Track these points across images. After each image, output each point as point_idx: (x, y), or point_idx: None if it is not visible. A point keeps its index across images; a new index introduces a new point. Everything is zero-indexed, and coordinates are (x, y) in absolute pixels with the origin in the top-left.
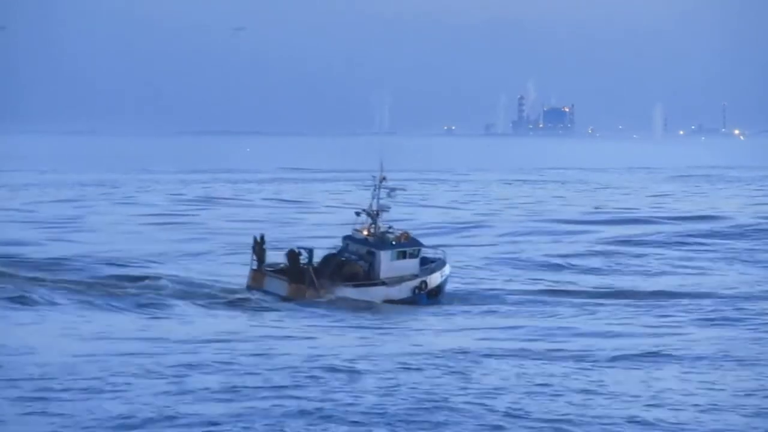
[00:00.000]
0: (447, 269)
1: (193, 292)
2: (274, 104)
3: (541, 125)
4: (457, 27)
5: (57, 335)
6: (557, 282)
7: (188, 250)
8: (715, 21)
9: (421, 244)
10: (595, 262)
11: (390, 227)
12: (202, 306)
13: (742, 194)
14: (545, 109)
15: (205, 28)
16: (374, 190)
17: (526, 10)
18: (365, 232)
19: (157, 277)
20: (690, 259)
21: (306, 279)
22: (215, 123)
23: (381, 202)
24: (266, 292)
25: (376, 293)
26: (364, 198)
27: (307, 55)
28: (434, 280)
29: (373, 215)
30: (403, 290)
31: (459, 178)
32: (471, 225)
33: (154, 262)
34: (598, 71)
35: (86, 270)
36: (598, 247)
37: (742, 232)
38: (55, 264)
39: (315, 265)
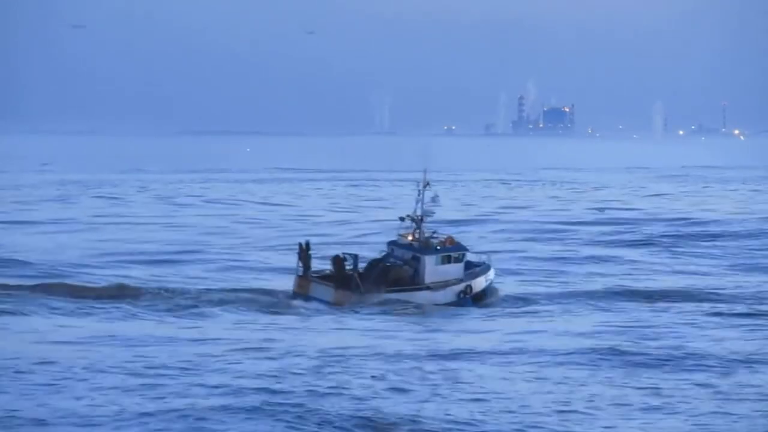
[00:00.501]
0: (491, 273)
1: (237, 299)
2: (274, 104)
3: (541, 125)
4: (458, 27)
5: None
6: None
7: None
8: (715, 21)
9: (465, 249)
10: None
11: (434, 232)
12: (262, 313)
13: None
14: (545, 109)
15: (205, 28)
16: (418, 196)
17: (526, 10)
18: (410, 237)
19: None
20: None
21: (352, 285)
22: (215, 123)
23: (425, 207)
24: (312, 299)
25: (421, 298)
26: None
27: (308, 55)
28: (479, 284)
29: (418, 220)
30: (447, 295)
31: (455, 177)
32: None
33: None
34: (598, 71)
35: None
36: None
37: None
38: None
39: (360, 270)
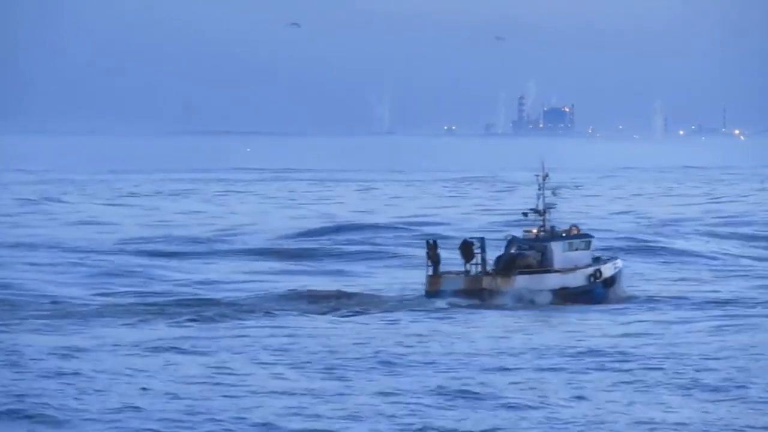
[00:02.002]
0: (619, 262)
1: (373, 300)
2: (274, 104)
3: (541, 125)
4: (458, 27)
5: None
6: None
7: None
8: (716, 21)
9: (591, 236)
10: None
11: (553, 227)
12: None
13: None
14: (545, 109)
15: (205, 28)
16: (539, 189)
17: (526, 10)
18: (534, 231)
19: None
20: None
21: (482, 268)
22: (216, 123)
23: (547, 200)
24: (443, 292)
25: (551, 281)
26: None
27: (307, 54)
28: (608, 269)
29: (542, 213)
30: (578, 278)
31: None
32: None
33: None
34: (598, 71)
35: None
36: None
37: None
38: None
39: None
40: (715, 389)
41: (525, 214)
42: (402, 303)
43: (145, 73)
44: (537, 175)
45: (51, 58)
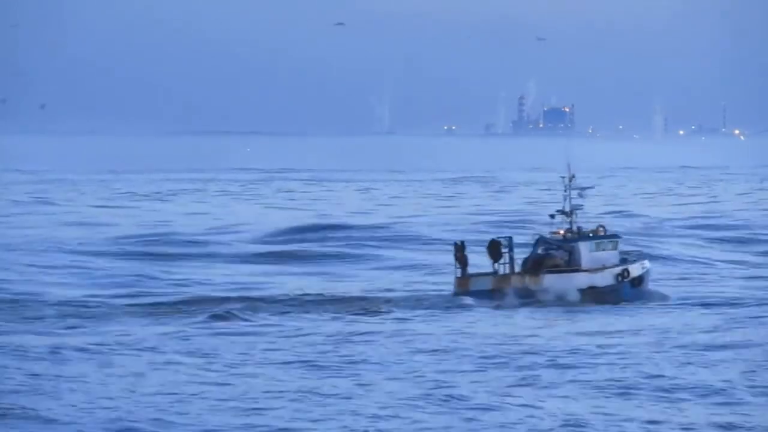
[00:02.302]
0: (647, 262)
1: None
2: (274, 104)
3: (541, 125)
4: (458, 27)
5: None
6: None
7: None
8: (716, 21)
9: (618, 236)
10: None
11: (580, 227)
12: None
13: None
14: (545, 109)
15: (205, 28)
16: (565, 191)
17: (526, 10)
18: (561, 232)
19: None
20: None
21: (510, 267)
22: (216, 123)
23: (573, 201)
24: (473, 293)
25: (579, 280)
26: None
27: (307, 54)
28: (635, 269)
29: (569, 214)
30: (606, 277)
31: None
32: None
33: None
34: (598, 71)
35: None
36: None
37: None
38: None
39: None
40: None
41: (552, 216)
42: (433, 304)
43: (145, 73)
44: (563, 177)
45: (51, 58)
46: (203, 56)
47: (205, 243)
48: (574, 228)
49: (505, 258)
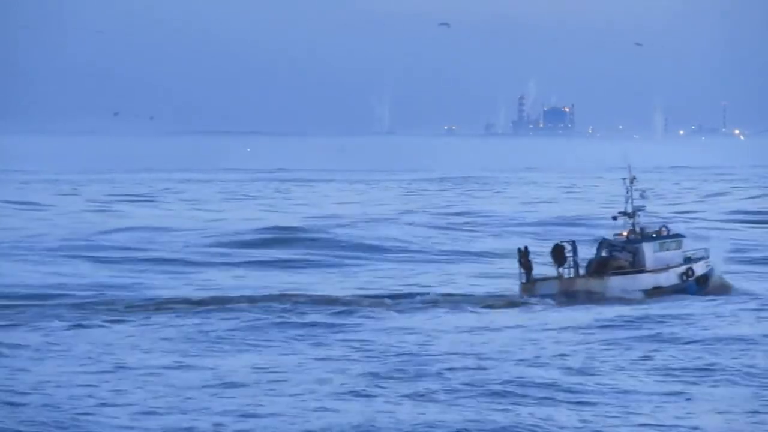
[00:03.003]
0: (711, 261)
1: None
2: (274, 104)
3: (541, 125)
4: (458, 26)
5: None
6: None
7: None
8: (716, 21)
9: (682, 236)
10: None
11: (643, 228)
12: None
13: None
14: (545, 109)
15: (205, 27)
16: (627, 192)
17: (526, 10)
18: (624, 233)
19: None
20: None
21: (575, 272)
22: (216, 123)
23: (635, 202)
24: (539, 296)
25: (644, 281)
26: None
27: (307, 54)
28: (700, 268)
29: (631, 215)
30: (670, 277)
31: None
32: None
33: None
34: (598, 71)
35: None
36: None
37: None
38: None
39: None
40: None
41: (614, 218)
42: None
43: (145, 72)
44: (624, 178)
45: (51, 58)
46: (203, 56)
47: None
48: (637, 229)
49: (569, 262)
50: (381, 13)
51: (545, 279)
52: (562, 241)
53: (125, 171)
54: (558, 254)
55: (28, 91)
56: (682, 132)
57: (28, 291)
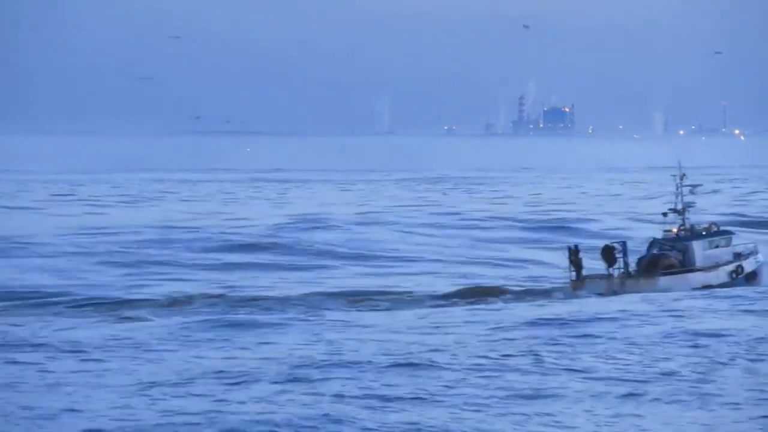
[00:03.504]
0: (761, 256)
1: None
2: (274, 104)
3: (541, 125)
4: (458, 26)
5: None
6: None
7: None
8: (715, 20)
9: (731, 233)
10: None
11: (693, 225)
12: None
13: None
14: (545, 109)
15: (205, 27)
16: (677, 189)
17: (526, 10)
18: (674, 230)
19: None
20: None
21: (625, 272)
22: (216, 123)
23: (685, 199)
24: (588, 294)
25: (694, 280)
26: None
27: (307, 54)
28: (749, 264)
29: (681, 212)
30: (720, 275)
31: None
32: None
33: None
34: (598, 71)
35: None
36: None
37: None
38: None
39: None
40: None
41: (664, 214)
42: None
43: (145, 72)
44: (674, 175)
45: (51, 58)
46: (203, 56)
47: None
48: (687, 225)
49: (620, 263)
50: (381, 13)
51: (595, 277)
52: (612, 242)
53: (110, 171)
54: (608, 255)
55: (28, 91)
56: (682, 132)
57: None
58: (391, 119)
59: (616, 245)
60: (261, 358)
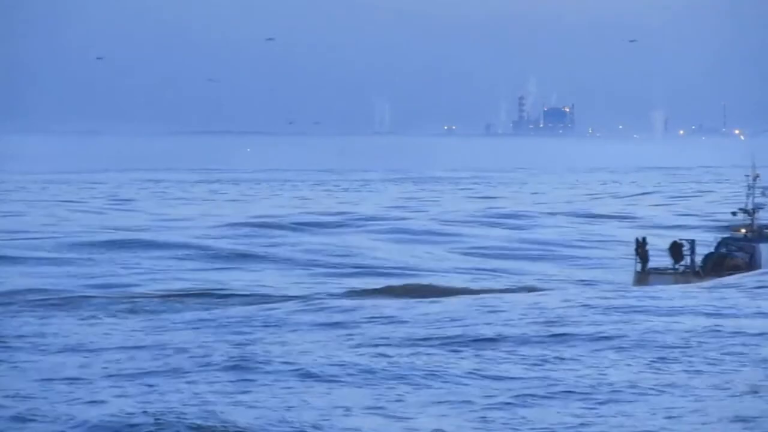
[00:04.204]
0: None
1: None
2: (274, 104)
3: (541, 125)
4: (458, 26)
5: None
6: None
7: None
8: (715, 20)
9: None
10: None
11: (761, 226)
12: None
13: None
14: (545, 109)
15: (205, 27)
16: (749, 189)
17: (526, 10)
18: (743, 230)
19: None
20: None
21: (691, 269)
22: (216, 123)
23: (756, 200)
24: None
25: None
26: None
27: (307, 54)
28: None
29: (751, 213)
30: None
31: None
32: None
33: None
34: (598, 71)
35: None
36: None
37: None
38: None
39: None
40: None
41: (734, 214)
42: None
43: (145, 72)
44: (747, 175)
45: (51, 58)
46: (203, 56)
47: None
48: (756, 227)
49: (686, 260)
50: (381, 13)
51: (660, 271)
52: (680, 239)
53: (102, 171)
54: (675, 252)
55: (28, 91)
56: (682, 132)
57: None
58: (391, 119)
59: (684, 242)
60: None
